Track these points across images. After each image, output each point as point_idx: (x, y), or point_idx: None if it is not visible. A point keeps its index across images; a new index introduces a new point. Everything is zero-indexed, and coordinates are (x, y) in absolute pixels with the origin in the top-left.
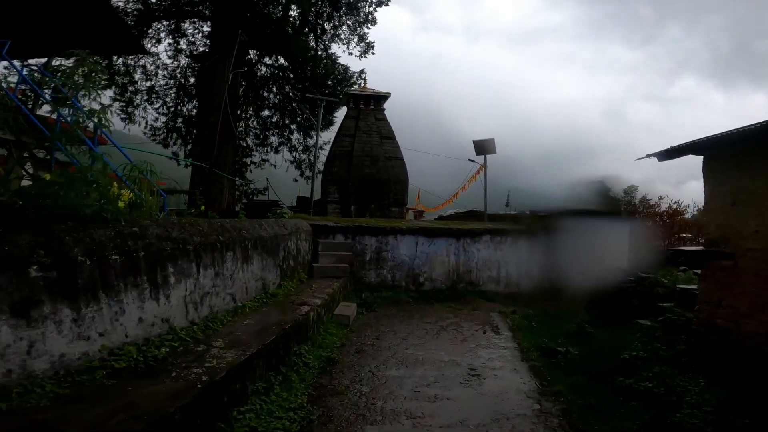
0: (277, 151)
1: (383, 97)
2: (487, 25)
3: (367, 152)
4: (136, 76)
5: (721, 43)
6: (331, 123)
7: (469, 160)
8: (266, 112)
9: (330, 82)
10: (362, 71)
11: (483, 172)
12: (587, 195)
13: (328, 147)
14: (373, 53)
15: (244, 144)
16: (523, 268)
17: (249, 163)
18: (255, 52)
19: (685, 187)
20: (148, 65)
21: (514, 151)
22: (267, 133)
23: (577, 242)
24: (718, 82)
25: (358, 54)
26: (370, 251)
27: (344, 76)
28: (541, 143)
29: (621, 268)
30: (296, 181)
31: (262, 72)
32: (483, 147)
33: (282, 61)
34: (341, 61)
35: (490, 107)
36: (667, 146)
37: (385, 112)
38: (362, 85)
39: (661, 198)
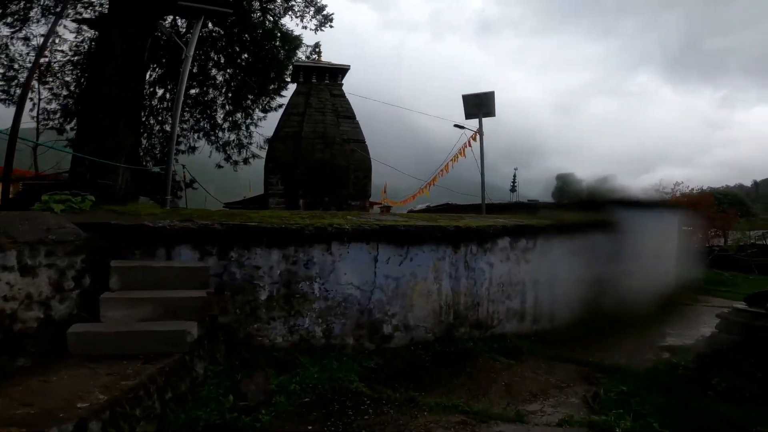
0: (209, 136)
1: (340, 70)
2: (451, 19)
3: (320, 133)
4: (14, 49)
5: (674, 40)
6: (271, 94)
7: (456, 126)
8: (194, 90)
9: (271, 45)
10: (317, 44)
11: (477, 140)
12: (563, 188)
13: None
14: (331, 26)
15: (169, 129)
16: (559, 290)
17: (176, 151)
18: (183, 21)
19: (639, 180)
20: (31, 36)
21: (476, 146)
22: (198, 115)
23: (636, 244)
24: (668, 78)
25: (313, 27)
26: (269, 282)
27: (291, 39)
28: (502, 139)
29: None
30: (221, 168)
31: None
32: (477, 105)
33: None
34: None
35: (456, 103)
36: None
37: (344, 89)
38: (317, 59)
39: (678, 184)
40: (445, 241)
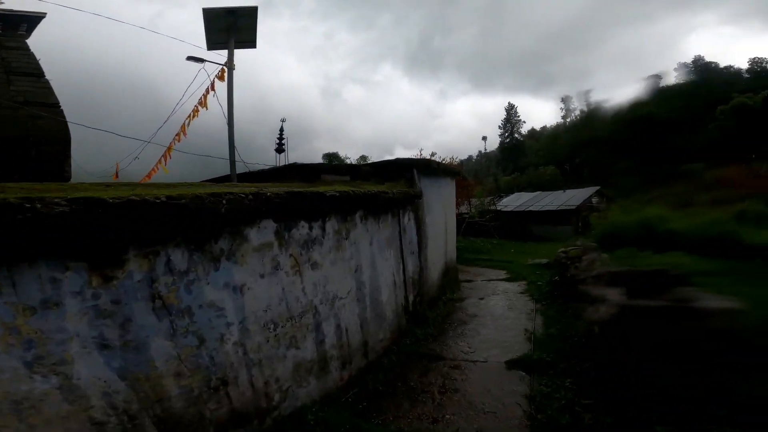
0: None
1: (25, 19)
2: None
3: None
4: None
5: (415, 35)
6: None
7: (190, 58)
8: None
9: None
10: None
11: (224, 79)
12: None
13: None
14: None
15: None
16: (370, 302)
17: None
18: None
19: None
20: None
21: (247, 132)
22: None
23: (435, 219)
24: (406, 71)
25: None
26: None
27: None
28: (271, 123)
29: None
30: None
31: None
32: (228, 27)
33: None
34: None
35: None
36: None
37: (29, 41)
38: None
39: (433, 154)
40: (69, 255)
